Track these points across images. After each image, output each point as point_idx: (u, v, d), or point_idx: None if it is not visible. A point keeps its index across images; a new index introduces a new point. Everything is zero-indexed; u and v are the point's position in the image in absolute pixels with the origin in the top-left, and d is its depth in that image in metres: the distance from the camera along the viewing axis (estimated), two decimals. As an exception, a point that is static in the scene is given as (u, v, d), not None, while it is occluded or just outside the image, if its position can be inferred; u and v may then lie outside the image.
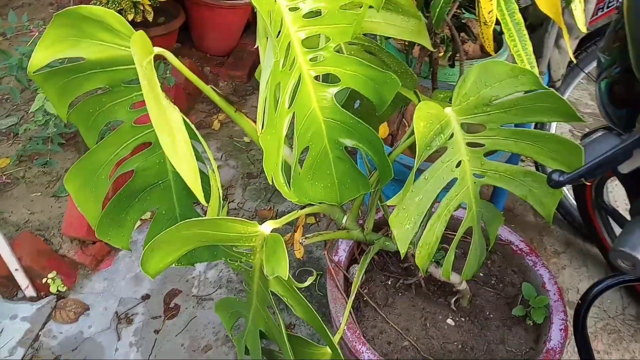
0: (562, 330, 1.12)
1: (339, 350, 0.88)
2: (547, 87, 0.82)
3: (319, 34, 0.90)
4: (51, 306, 1.70)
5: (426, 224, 0.95)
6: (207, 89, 0.92)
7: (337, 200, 0.99)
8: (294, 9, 0.84)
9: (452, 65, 1.65)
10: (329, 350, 0.90)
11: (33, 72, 0.81)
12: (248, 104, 2.66)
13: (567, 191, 1.94)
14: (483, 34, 1.07)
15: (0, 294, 1.72)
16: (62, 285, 1.71)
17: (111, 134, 0.93)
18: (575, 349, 1.12)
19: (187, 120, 0.84)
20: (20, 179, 2.04)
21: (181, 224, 0.75)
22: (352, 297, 1.11)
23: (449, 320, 1.21)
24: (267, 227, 0.82)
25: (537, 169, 1.92)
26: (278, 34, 0.82)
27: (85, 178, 0.94)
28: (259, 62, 0.89)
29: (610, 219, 1.71)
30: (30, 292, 1.71)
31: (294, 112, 0.87)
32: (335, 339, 1.00)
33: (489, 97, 0.87)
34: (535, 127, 1.90)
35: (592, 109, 2.60)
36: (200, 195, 0.71)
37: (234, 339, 1.10)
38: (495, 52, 1.74)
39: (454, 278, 1.14)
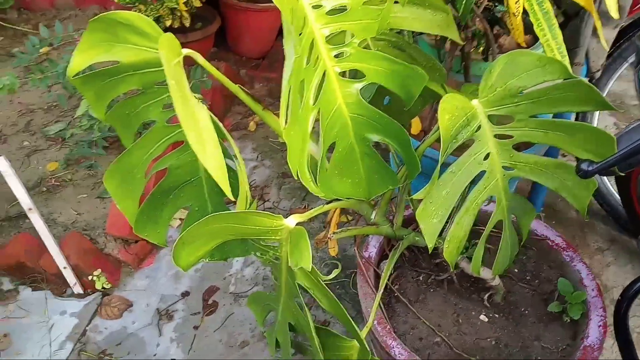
0: (601, 327, 1.08)
1: (366, 344, 0.88)
2: (575, 76, 0.80)
3: (345, 31, 0.91)
4: (97, 303, 1.77)
5: (454, 218, 0.95)
6: (235, 88, 0.94)
7: (365, 195, 1.00)
8: (317, 7, 0.85)
9: (486, 59, 1.62)
10: (357, 343, 0.90)
11: (72, 77, 0.86)
12: (283, 105, 2.68)
13: (611, 185, 1.87)
14: (512, 25, 1.06)
15: (51, 291, 1.81)
16: (107, 283, 1.79)
17: (145, 133, 0.97)
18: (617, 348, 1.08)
19: (215, 118, 0.87)
20: (68, 182, 2.14)
21: (209, 218, 0.78)
22: (381, 291, 1.11)
23: (482, 317, 1.19)
24: (292, 220, 0.84)
25: (578, 163, 1.86)
26: (301, 32, 0.83)
27: (122, 176, 0.98)
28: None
29: (657, 214, 1.64)
30: (77, 289, 1.79)
31: (319, 109, 0.88)
32: (364, 333, 1.00)
33: (516, 87, 0.86)
34: (577, 119, 1.84)
35: (639, 101, 2.49)
36: (227, 189, 0.73)
37: (265, 332, 1.12)
38: (533, 45, 1.71)
39: (486, 273, 1.12)
